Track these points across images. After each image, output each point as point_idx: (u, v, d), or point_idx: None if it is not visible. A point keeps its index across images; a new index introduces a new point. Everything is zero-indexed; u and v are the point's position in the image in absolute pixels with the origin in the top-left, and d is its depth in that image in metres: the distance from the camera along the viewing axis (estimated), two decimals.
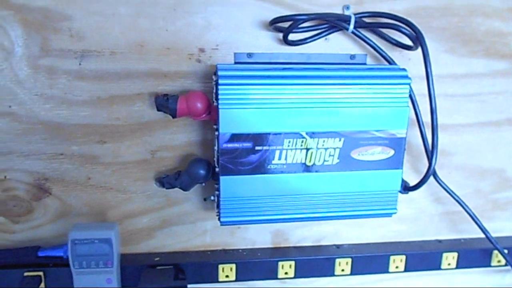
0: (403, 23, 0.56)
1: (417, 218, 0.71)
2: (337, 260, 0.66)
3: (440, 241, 0.72)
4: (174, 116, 0.56)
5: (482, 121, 0.67)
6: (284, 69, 0.55)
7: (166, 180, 0.59)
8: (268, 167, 0.55)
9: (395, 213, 0.60)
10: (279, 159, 0.55)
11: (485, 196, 0.71)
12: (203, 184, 0.60)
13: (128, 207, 0.62)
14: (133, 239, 0.64)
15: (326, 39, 0.60)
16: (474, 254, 0.71)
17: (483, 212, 0.71)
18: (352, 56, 0.61)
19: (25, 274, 0.59)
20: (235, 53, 0.58)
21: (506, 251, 0.70)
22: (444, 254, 0.69)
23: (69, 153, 0.59)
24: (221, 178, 0.54)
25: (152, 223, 0.63)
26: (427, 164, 0.61)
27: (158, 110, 0.56)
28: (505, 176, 0.71)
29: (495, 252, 0.70)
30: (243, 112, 0.53)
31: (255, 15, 0.58)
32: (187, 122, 0.60)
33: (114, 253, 0.57)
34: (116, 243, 0.57)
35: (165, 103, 0.55)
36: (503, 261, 0.71)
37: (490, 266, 0.72)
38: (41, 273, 0.60)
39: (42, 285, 0.60)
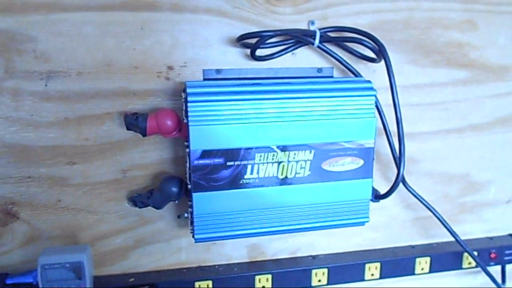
0: (366, 36, 0.58)
1: (390, 225, 0.72)
2: (314, 271, 0.67)
3: (413, 246, 0.74)
4: (144, 135, 0.55)
5: (446, 128, 0.70)
6: (253, 84, 0.56)
7: (139, 199, 0.59)
8: (241, 182, 0.55)
9: (367, 221, 0.62)
10: (251, 173, 0.56)
11: (453, 200, 0.73)
12: (176, 201, 0.60)
13: (101, 228, 0.61)
14: (107, 260, 0.62)
15: (293, 53, 0.61)
16: (446, 258, 0.72)
17: (452, 216, 0.73)
18: (319, 70, 0.63)
19: None
20: (203, 70, 0.59)
21: (475, 253, 0.72)
22: (417, 259, 0.71)
23: (37, 175, 0.58)
24: (194, 195, 0.54)
25: (125, 243, 0.62)
26: (396, 172, 0.62)
27: (128, 129, 0.56)
28: (470, 180, 0.73)
29: (466, 254, 0.73)
30: (213, 128, 0.53)
31: (222, 32, 0.58)
32: (158, 140, 0.60)
33: (86, 276, 0.55)
34: (89, 266, 0.56)
35: (135, 122, 0.55)
36: (474, 263, 0.73)
37: (461, 268, 0.74)
38: None
39: None
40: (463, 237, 0.71)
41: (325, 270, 0.67)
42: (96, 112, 0.57)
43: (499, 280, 0.76)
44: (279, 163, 0.56)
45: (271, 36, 0.56)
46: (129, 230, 0.62)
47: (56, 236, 0.60)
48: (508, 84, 0.70)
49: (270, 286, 0.65)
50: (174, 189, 0.57)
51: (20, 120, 0.56)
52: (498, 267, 0.76)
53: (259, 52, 0.58)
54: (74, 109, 0.57)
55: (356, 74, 0.62)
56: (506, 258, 0.75)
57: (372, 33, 0.58)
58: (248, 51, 0.58)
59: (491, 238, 0.77)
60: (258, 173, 0.56)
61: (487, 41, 0.68)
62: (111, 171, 0.59)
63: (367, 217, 0.61)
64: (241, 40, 0.57)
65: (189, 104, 0.52)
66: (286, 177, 0.57)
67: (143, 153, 0.60)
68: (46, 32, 0.54)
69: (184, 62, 0.58)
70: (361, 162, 0.59)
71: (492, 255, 0.74)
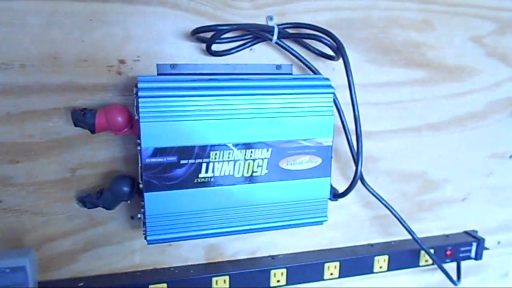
0: (324, 33, 0.58)
1: (349, 223, 0.72)
2: (272, 271, 0.66)
3: (372, 245, 0.74)
4: (93, 132, 0.53)
5: (404, 127, 0.70)
6: (209, 79, 0.54)
7: (88, 199, 0.56)
8: (195, 181, 0.54)
9: (326, 220, 0.61)
10: (206, 172, 0.54)
11: (410, 198, 0.74)
12: (128, 201, 0.57)
13: (47, 230, 0.58)
14: (54, 264, 0.59)
15: (251, 49, 0.60)
16: (404, 256, 0.73)
17: (410, 214, 0.74)
18: (278, 66, 0.61)
19: None
20: (157, 64, 0.57)
21: (432, 250, 0.73)
22: (376, 258, 0.71)
23: None
24: (146, 194, 0.52)
25: (74, 245, 0.59)
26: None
27: (76, 125, 0.53)
28: (427, 178, 0.74)
29: (423, 252, 0.73)
30: (166, 125, 0.51)
31: (177, 25, 0.56)
32: (109, 137, 0.57)
33: (29, 282, 0.52)
34: (32, 271, 0.53)
35: (82, 118, 0.52)
36: (431, 261, 0.74)
37: (419, 266, 0.75)
38: None
39: None
40: (420, 235, 0.71)
41: (284, 270, 0.66)
42: (41, 107, 0.54)
43: (455, 277, 0.77)
44: (235, 161, 0.55)
45: (227, 31, 0.55)
46: (79, 232, 0.59)
47: None
48: (464, 84, 0.72)
49: (228, 287, 0.64)
50: (126, 189, 0.55)
51: None
52: (454, 264, 0.78)
53: (215, 47, 0.56)
54: (17, 103, 0.53)
55: (315, 71, 0.61)
56: (461, 255, 0.76)
57: (331, 30, 0.58)
58: (204, 46, 0.56)
59: (447, 235, 0.78)
60: (213, 171, 0.54)
61: (444, 41, 0.69)
62: (58, 169, 0.56)
63: (326, 216, 0.61)
64: (196, 34, 0.55)
65: (140, 100, 0.50)
66: (242, 175, 0.55)
67: (92, 151, 0.57)
68: None
69: (137, 56, 0.56)
70: (319, 160, 0.58)
71: (448, 252, 0.75)
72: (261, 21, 0.59)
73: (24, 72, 0.52)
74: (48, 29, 0.52)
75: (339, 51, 0.57)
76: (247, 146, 0.54)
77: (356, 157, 0.60)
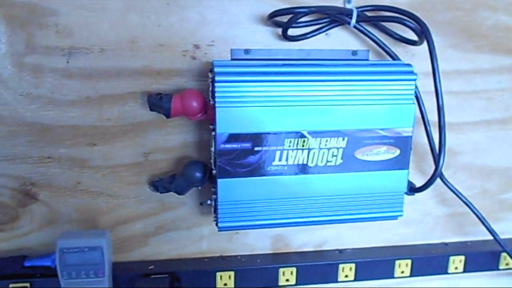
0: (407, 16, 0.54)
1: (422, 220, 0.68)
2: (341, 266, 0.63)
3: (446, 244, 0.69)
4: (168, 116, 0.53)
5: (488, 119, 0.65)
6: (283, 65, 0.52)
7: (160, 184, 0.56)
8: (268, 168, 0.52)
9: (401, 215, 0.58)
10: (280, 160, 0.52)
11: (492, 196, 0.69)
12: (199, 187, 0.57)
13: (120, 213, 0.59)
14: (126, 246, 0.60)
15: (326, 34, 0.57)
16: (482, 257, 0.68)
17: (490, 213, 0.69)
18: (354, 52, 0.59)
19: (11, 285, 0.56)
20: (231, 50, 0.55)
21: None
22: (451, 258, 0.67)
23: (56, 156, 0.56)
24: (219, 181, 0.51)
25: (145, 229, 0.60)
26: (432, 164, 0.59)
27: (151, 110, 0.53)
28: (511, 175, 0.68)
29: (504, 254, 0.68)
30: (241, 110, 0.50)
31: (252, 9, 0.55)
32: (182, 122, 0.57)
33: (105, 262, 0.53)
34: (108, 251, 0.54)
35: (159, 103, 0.52)
36: None
37: (498, 269, 0.69)
38: (27, 284, 0.56)
39: None
40: (501, 236, 0.66)
41: (353, 265, 0.64)
42: (118, 92, 0.55)
43: None
44: (310, 150, 0.53)
45: (305, 13, 0.52)
46: (150, 216, 0.60)
47: (75, 220, 0.58)
48: None
49: (295, 279, 0.62)
50: (198, 175, 0.55)
51: (41, 97, 0.53)
52: None
53: (291, 32, 0.55)
54: (95, 87, 0.54)
55: (394, 57, 0.58)
56: None
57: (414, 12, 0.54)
58: (279, 30, 0.55)
59: None
60: (287, 160, 0.52)
61: None
62: (132, 153, 0.57)
63: (401, 210, 0.57)
64: (273, 18, 0.53)
65: (216, 85, 0.49)
66: (316, 165, 0.53)
67: (166, 135, 0.57)
68: (69, 5, 0.51)
69: (211, 40, 0.55)
70: (397, 151, 0.55)
71: None
72: (339, 3, 0.56)
73: (103, 56, 0.53)
74: (127, 13, 0.53)
75: (423, 34, 0.53)
76: (323, 134, 0.52)
77: (439, 151, 0.56)
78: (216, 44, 0.55)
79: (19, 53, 0.52)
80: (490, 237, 0.66)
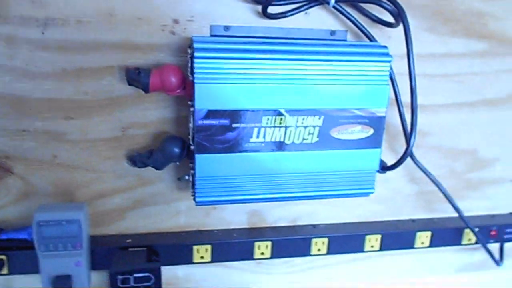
0: None
1: (393, 198, 0.71)
2: (314, 240, 0.66)
3: (414, 220, 0.73)
4: (146, 91, 0.52)
5: (459, 101, 0.67)
6: (263, 43, 0.53)
7: (138, 159, 0.57)
8: (246, 145, 0.53)
9: (372, 192, 0.60)
10: (257, 137, 0.53)
11: (458, 176, 0.72)
12: (177, 163, 0.58)
13: (98, 187, 0.59)
14: (103, 220, 0.61)
15: (306, 13, 0.58)
16: (447, 233, 0.72)
17: (456, 192, 0.72)
18: (333, 32, 0.59)
19: None
20: (211, 26, 0.55)
21: (477, 229, 0.71)
22: (418, 233, 0.70)
23: (32, 129, 0.55)
24: (197, 156, 0.52)
25: (123, 203, 0.61)
26: (403, 144, 0.61)
27: (129, 84, 0.53)
28: (478, 156, 0.72)
29: (467, 230, 0.72)
30: (220, 87, 0.50)
31: None
32: (160, 97, 0.57)
33: (83, 235, 0.54)
34: (85, 224, 0.54)
35: (137, 77, 0.52)
36: (474, 239, 0.73)
37: (460, 244, 0.73)
38: (3, 257, 0.56)
39: (5, 269, 0.56)
40: (465, 213, 0.70)
41: (325, 240, 0.66)
42: (95, 65, 0.54)
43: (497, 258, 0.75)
44: (287, 127, 0.54)
45: None
46: (127, 190, 0.60)
47: (51, 193, 0.58)
48: None
49: (270, 253, 0.65)
50: (176, 150, 0.55)
51: (15, 69, 0.52)
52: (497, 245, 0.76)
53: (271, 9, 0.55)
54: (72, 60, 0.53)
55: (371, 38, 0.59)
56: (505, 236, 0.74)
57: None
58: (259, 7, 0.55)
59: (492, 215, 0.76)
60: (264, 137, 0.54)
61: (509, 12, 0.64)
62: (110, 128, 0.57)
63: (373, 188, 0.60)
64: None
65: (195, 61, 0.49)
66: (293, 142, 0.55)
67: (144, 110, 0.57)
68: None
69: (190, 16, 0.55)
70: (371, 131, 0.57)
71: (492, 233, 0.73)
72: None
73: (80, 28, 0.52)
74: None
75: (399, 16, 0.55)
76: (300, 112, 0.53)
77: (410, 131, 0.58)
78: (195, 20, 0.55)
79: None
80: (456, 214, 0.69)
